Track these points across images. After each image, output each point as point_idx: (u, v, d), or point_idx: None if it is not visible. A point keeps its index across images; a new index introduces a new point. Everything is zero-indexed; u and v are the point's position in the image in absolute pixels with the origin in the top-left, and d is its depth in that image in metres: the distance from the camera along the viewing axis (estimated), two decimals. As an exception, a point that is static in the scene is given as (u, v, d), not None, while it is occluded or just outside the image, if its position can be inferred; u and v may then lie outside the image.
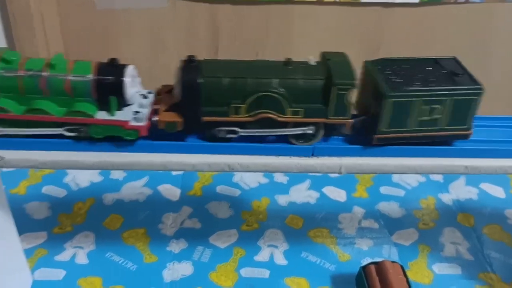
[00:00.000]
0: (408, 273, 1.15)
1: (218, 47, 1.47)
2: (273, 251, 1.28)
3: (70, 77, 0.76)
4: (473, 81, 0.81)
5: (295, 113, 0.80)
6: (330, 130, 0.84)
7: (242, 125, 0.81)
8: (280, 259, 1.24)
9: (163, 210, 1.40)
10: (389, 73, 0.83)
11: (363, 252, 1.30)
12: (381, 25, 1.47)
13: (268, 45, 1.47)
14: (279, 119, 0.80)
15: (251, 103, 0.79)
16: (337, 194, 1.49)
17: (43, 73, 0.76)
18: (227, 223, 1.38)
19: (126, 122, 0.78)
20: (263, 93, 0.78)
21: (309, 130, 0.82)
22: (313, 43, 1.47)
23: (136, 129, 0.79)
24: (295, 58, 0.82)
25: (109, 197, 1.43)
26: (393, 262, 1.10)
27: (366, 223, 1.39)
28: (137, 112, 0.80)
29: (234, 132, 0.82)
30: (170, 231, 1.33)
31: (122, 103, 0.79)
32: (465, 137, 0.84)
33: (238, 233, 1.34)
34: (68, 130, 0.79)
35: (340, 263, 1.26)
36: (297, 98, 0.80)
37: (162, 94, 0.85)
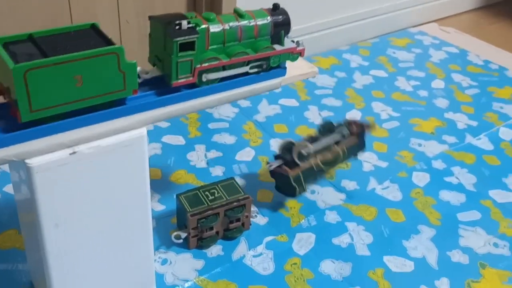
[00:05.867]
0: None
1: None
2: None
3: (258, 22, 0.98)
4: None
5: None
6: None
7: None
8: None
9: None
10: None
11: None
12: None
13: None
14: None
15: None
16: None
17: (240, 23, 0.96)
18: None
19: (295, 48, 1.03)
20: None
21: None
22: None
23: (299, 52, 1.05)
24: None
25: None
26: None
27: None
28: (293, 41, 1.05)
29: None
30: None
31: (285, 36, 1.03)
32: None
33: None
34: (255, 67, 1.00)
35: None
36: None
37: None
